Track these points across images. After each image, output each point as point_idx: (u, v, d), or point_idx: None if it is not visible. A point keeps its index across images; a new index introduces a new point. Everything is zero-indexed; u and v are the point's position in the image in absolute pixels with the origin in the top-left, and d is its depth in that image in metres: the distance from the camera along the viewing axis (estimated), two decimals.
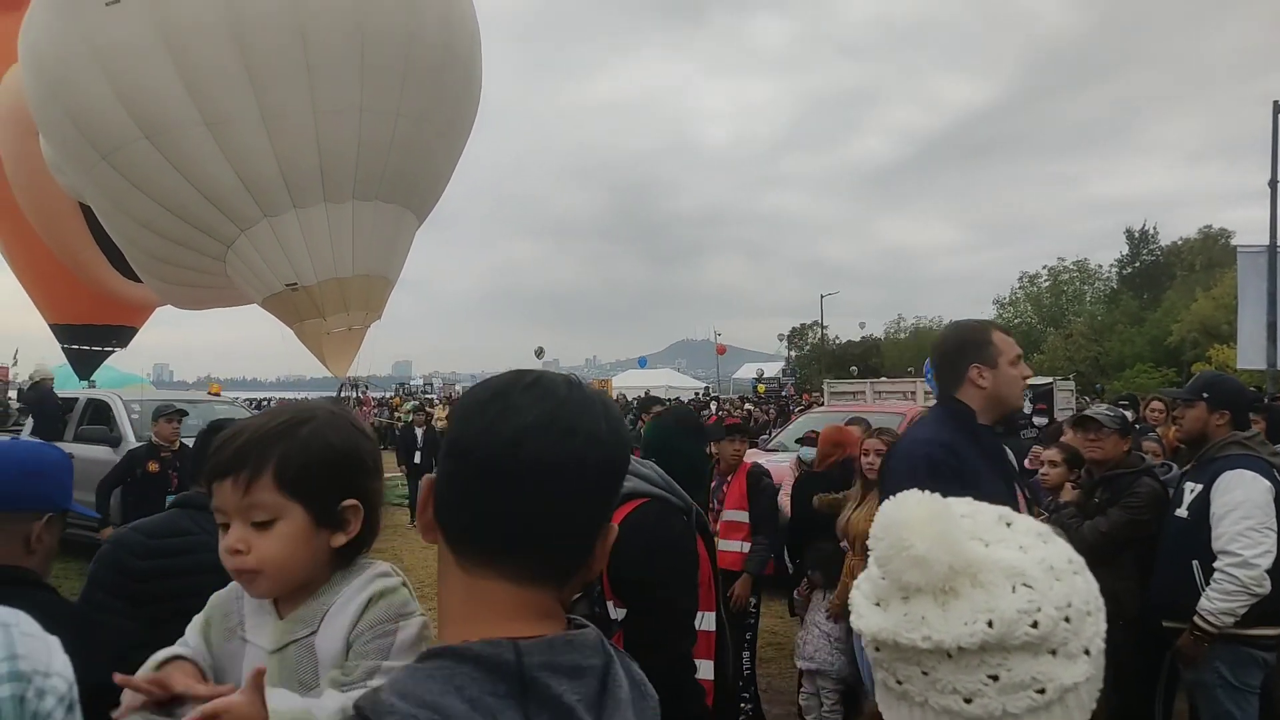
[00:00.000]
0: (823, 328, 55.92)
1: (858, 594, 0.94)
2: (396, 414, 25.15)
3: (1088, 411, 4.46)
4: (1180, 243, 50.10)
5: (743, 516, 5.18)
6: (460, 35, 9.17)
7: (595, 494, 0.93)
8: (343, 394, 24.98)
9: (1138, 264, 52.63)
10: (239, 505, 1.20)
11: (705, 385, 52.50)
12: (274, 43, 7.59)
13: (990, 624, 0.83)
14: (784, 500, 5.91)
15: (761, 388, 39.92)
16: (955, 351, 2.58)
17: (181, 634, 2.31)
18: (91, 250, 11.92)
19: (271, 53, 7.62)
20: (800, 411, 18.65)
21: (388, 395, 40.22)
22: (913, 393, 16.33)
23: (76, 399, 10.88)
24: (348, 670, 1.16)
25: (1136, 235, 53.13)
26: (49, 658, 1.14)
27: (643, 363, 59.18)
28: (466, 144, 10.43)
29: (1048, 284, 54.25)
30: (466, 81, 9.57)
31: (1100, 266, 54.57)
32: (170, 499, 3.03)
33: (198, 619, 1.32)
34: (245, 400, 14.73)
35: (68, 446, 8.71)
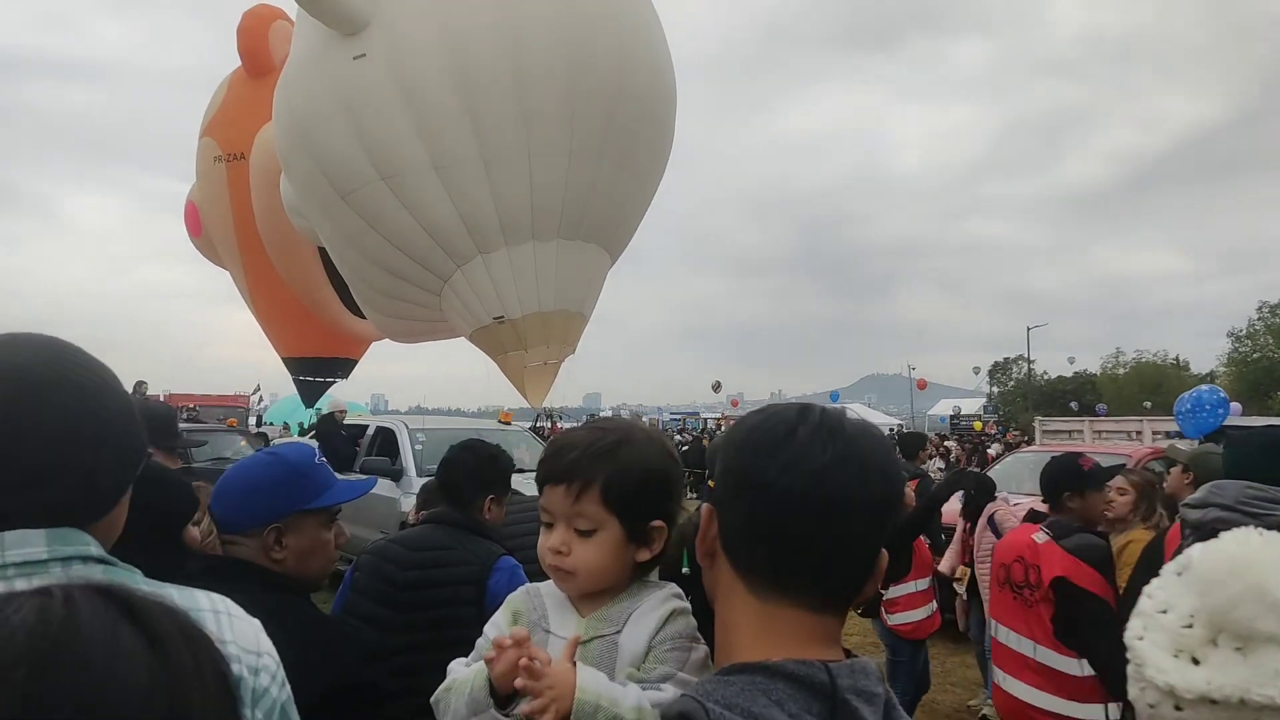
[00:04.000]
0: (1029, 362, 52.59)
1: (1147, 647, 0.88)
2: None
3: None
4: None
5: None
6: (662, 86, 9.46)
7: (881, 525, 0.98)
8: (538, 424, 26.17)
9: None
10: (567, 511, 1.33)
11: (899, 422, 50.52)
12: (497, 94, 8.09)
13: None
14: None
15: (979, 424, 37.73)
16: None
17: (437, 640, 2.43)
18: (327, 290, 13.10)
19: (494, 103, 8.12)
20: (1006, 451, 17.42)
21: (578, 426, 41.59)
22: (1139, 432, 14.71)
23: (366, 426, 10.48)
24: (646, 670, 1.26)
25: None
26: (257, 639, 1.22)
27: (834, 397, 57.65)
28: (659, 186, 10.67)
29: None
30: (664, 128, 9.83)
31: None
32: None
33: (503, 614, 1.44)
34: (528, 428, 15.20)
35: (355, 479, 8.90)
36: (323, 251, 11.14)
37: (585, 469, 1.31)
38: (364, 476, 9.01)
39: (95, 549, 1.08)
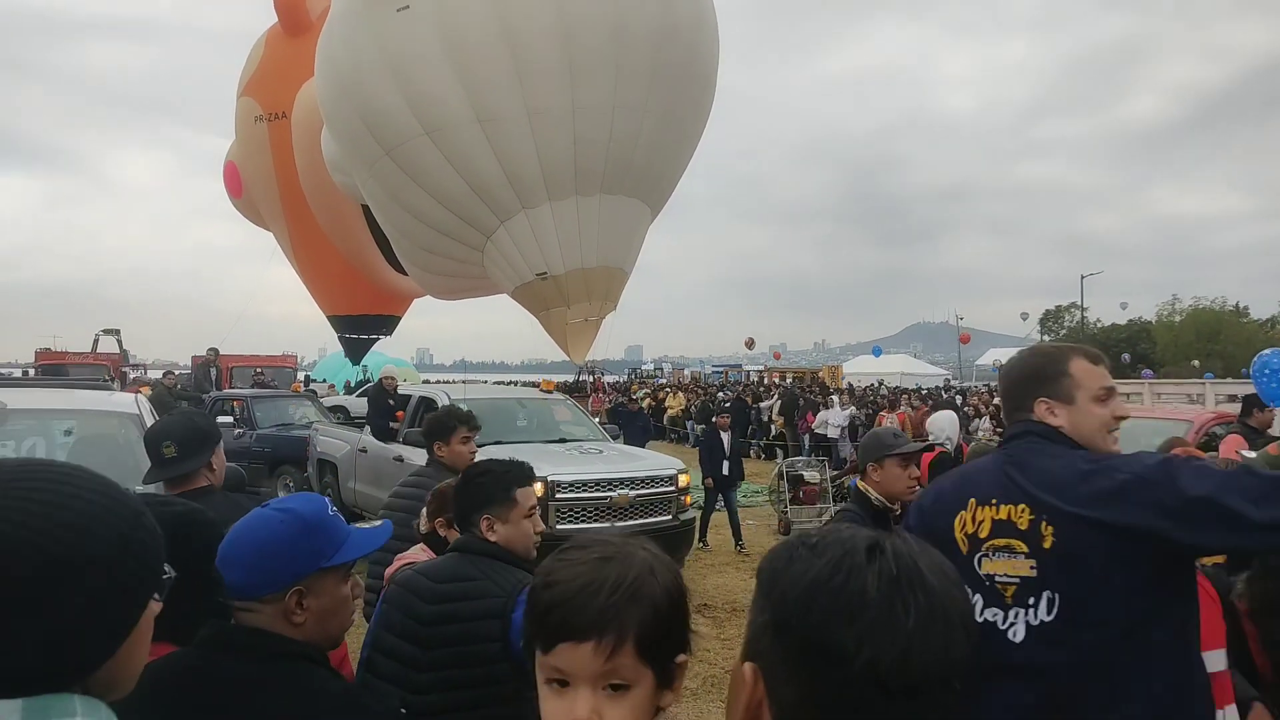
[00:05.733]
0: (1082, 310, 51.30)
1: None
2: (631, 398, 25.88)
3: None
4: None
5: None
6: (704, 34, 9.26)
7: (960, 686, 0.84)
8: (580, 378, 26.31)
9: None
10: (598, 672, 1.08)
11: (945, 373, 49.78)
12: (541, 46, 7.98)
13: None
14: None
15: None
16: (1021, 382, 2.10)
17: (464, 678, 2.30)
18: (371, 247, 13.15)
19: (538, 55, 8.01)
20: None
21: (621, 380, 41.92)
22: (1200, 395, 13.98)
23: (410, 396, 10.29)
24: None
25: None
26: None
27: (877, 351, 56.59)
28: (701, 138, 10.47)
29: None
30: (706, 79, 9.67)
31: None
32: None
33: None
34: (570, 380, 14.79)
35: (398, 450, 8.78)
36: (366, 209, 11.14)
37: (617, 618, 1.08)
38: (406, 449, 8.52)
39: (81, 717, 0.92)
